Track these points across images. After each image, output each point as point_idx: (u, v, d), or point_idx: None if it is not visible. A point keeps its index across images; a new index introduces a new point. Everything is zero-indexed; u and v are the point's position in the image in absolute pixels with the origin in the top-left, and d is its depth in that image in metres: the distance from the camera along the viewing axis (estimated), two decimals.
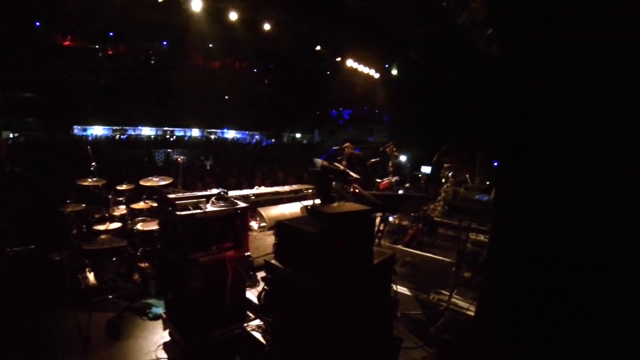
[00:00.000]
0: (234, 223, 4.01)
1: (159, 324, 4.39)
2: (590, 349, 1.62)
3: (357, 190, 4.59)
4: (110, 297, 4.86)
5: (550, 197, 1.68)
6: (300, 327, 2.52)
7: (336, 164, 5.39)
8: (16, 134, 21.24)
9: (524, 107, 1.79)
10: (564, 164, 1.66)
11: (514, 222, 1.80)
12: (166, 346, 3.99)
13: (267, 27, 10.45)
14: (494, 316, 1.94)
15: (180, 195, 4.06)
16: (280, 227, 2.69)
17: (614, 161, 1.57)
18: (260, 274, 5.00)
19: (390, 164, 9.97)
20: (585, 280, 1.62)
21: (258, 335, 2.93)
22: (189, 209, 3.72)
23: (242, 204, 4.10)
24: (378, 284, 2.92)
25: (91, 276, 5.21)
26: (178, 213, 3.63)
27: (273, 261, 2.72)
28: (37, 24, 18.30)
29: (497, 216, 1.95)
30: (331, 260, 2.41)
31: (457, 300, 4.90)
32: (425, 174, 12.57)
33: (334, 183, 4.39)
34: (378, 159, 9.63)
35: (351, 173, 4.86)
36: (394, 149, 9.64)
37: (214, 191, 4.29)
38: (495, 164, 12.05)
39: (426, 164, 12.73)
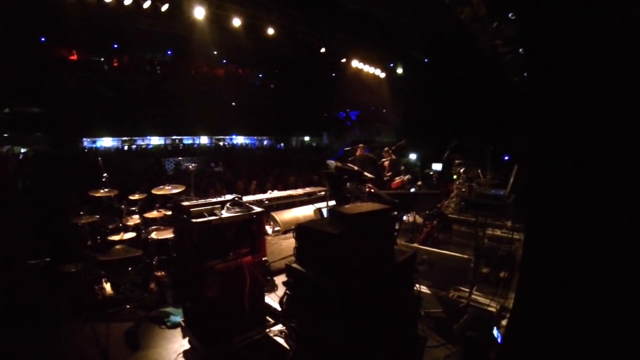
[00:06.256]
0: (249, 228, 3.97)
1: (177, 332, 4.36)
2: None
3: (372, 190, 4.52)
4: (128, 307, 4.84)
5: (591, 199, 1.61)
6: (324, 330, 2.46)
7: (349, 164, 5.35)
8: (27, 149, 21.28)
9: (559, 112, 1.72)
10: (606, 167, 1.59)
11: (551, 222, 1.73)
12: (186, 354, 3.96)
13: (270, 31, 10.40)
14: (533, 323, 1.86)
15: (194, 202, 4.03)
16: (300, 229, 2.64)
17: None
18: (278, 279, 4.96)
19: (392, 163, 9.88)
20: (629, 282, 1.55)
21: (281, 341, 2.87)
22: (204, 216, 3.68)
23: (257, 209, 4.05)
24: (401, 283, 2.85)
25: (107, 287, 5.20)
26: (193, 220, 3.59)
27: (294, 265, 2.66)
28: (42, 39, 18.45)
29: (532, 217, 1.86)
30: (353, 261, 2.35)
31: (477, 297, 4.86)
32: (436, 172, 12.51)
33: (348, 184, 4.34)
34: (394, 157, 9.54)
35: (365, 173, 4.81)
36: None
37: (229, 197, 4.25)
38: (506, 158, 11.98)
39: (437, 162, 12.67)
